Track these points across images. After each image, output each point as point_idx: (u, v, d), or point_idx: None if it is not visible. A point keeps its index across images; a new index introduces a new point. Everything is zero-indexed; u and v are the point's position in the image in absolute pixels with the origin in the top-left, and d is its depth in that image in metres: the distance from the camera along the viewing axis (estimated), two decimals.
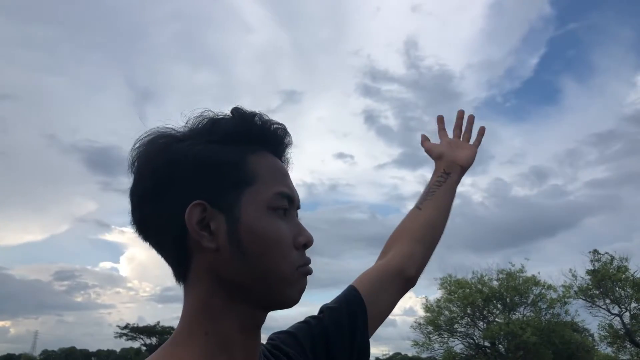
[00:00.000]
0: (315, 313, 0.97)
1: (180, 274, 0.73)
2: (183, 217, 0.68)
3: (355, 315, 0.94)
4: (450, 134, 1.33)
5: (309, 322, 0.93)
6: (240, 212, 0.69)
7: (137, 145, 0.75)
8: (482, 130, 1.32)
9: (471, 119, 1.32)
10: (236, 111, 0.74)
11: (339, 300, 0.97)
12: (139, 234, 0.74)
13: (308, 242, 0.74)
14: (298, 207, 0.77)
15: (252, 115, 0.74)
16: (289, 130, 0.78)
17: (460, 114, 1.33)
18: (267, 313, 0.75)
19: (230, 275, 0.70)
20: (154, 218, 0.71)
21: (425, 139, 1.32)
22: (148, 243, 0.75)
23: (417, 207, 1.17)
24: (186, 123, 0.75)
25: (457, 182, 1.23)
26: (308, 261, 0.74)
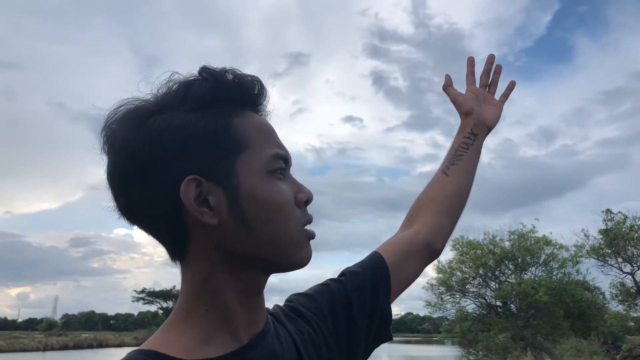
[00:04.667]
0: (326, 275, 0.94)
1: (177, 253, 0.69)
2: (176, 195, 0.63)
3: (379, 281, 0.91)
4: (477, 81, 1.19)
5: (329, 285, 0.90)
6: (238, 181, 0.65)
7: (108, 123, 0.68)
8: (511, 85, 1.19)
9: (499, 68, 1.18)
10: (205, 71, 0.68)
11: (363, 265, 0.93)
12: (127, 220, 0.69)
13: (309, 199, 0.72)
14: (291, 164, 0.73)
15: (224, 72, 0.69)
16: (263, 81, 0.71)
17: (491, 58, 1.18)
18: (268, 276, 0.72)
19: (236, 247, 0.66)
20: (143, 202, 0.65)
21: (449, 83, 1.18)
22: (137, 227, 0.68)
23: (444, 172, 1.08)
24: (157, 90, 0.69)
25: (482, 143, 1.12)
26: (310, 218, 0.72)
